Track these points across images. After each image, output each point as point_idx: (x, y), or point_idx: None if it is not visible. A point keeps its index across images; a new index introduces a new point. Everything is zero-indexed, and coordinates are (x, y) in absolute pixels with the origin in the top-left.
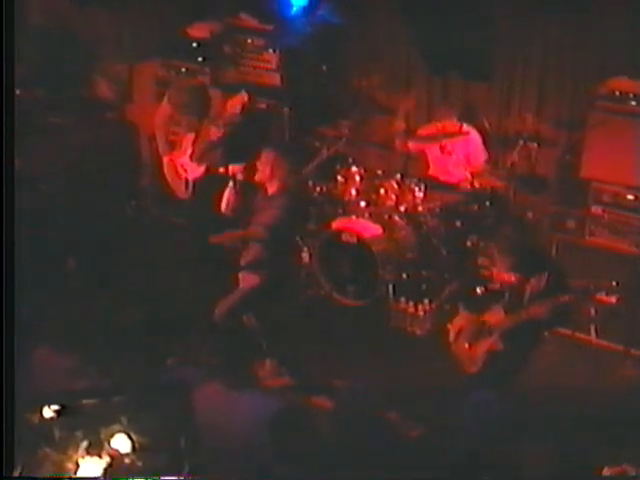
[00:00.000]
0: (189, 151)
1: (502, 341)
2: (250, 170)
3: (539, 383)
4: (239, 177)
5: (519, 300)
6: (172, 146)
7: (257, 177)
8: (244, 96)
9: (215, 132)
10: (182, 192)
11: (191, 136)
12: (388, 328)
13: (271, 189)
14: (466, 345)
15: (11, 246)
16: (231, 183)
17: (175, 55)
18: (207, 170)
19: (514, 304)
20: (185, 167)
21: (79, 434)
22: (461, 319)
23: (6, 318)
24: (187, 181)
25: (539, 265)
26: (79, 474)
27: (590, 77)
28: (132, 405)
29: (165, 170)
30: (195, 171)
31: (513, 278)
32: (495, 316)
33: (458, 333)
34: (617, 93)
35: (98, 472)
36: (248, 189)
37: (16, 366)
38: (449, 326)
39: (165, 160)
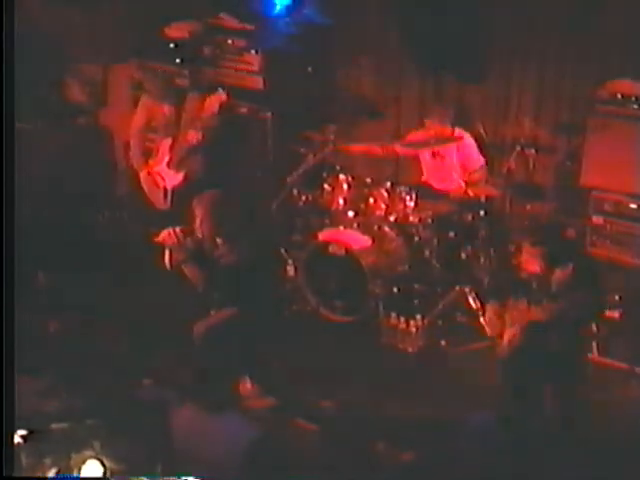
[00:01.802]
0: (166, 158)
1: (526, 334)
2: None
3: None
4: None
5: (545, 291)
6: (147, 155)
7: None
8: (222, 95)
9: (193, 136)
10: (161, 202)
11: (168, 141)
12: (378, 345)
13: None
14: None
15: None
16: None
17: (152, 56)
18: (186, 177)
19: (540, 296)
20: (163, 175)
21: (47, 461)
22: (490, 310)
23: None
24: (165, 190)
25: (566, 253)
26: None
27: (590, 79)
28: (105, 429)
29: (142, 181)
30: (173, 179)
31: (539, 268)
32: (521, 308)
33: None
34: (619, 96)
35: None
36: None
37: None
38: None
39: (142, 170)
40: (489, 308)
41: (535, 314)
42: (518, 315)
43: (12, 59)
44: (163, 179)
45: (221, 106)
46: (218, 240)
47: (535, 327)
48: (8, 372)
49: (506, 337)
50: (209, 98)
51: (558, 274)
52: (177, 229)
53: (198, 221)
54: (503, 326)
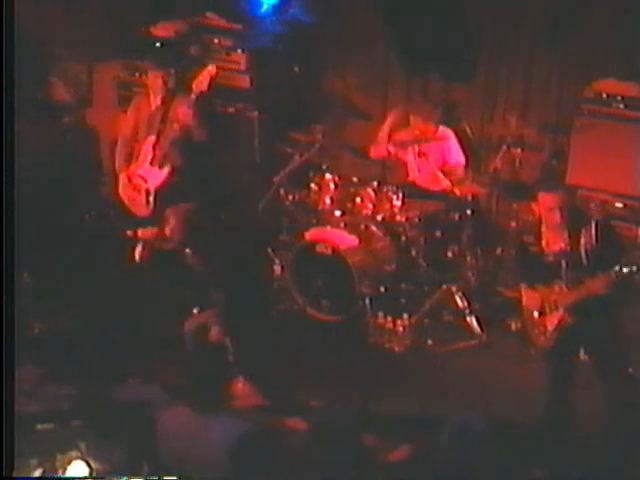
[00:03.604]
0: (149, 157)
1: (570, 315)
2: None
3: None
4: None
5: (578, 264)
6: (129, 160)
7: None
8: (212, 69)
9: (177, 128)
10: (142, 208)
11: (152, 139)
12: (365, 344)
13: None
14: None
15: None
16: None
17: (138, 56)
18: (171, 172)
19: (574, 274)
20: (145, 177)
21: (33, 462)
22: (528, 298)
23: None
24: (148, 192)
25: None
26: None
27: (576, 79)
28: (91, 429)
29: (121, 189)
30: (157, 177)
31: (563, 244)
32: (558, 291)
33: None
34: (604, 96)
35: None
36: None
37: None
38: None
39: (121, 177)
40: (524, 295)
41: (576, 291)
42: (558, 298)
43: (12, 59)
44: (145, 180)
45: (211, 81)
46: (187, 250)
47: (589, 301)
48: (8, 372)
49: (550, 323)
50: (199, 75)
51: (584, 241)
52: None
53: (168, 229)
54: (544, 314)
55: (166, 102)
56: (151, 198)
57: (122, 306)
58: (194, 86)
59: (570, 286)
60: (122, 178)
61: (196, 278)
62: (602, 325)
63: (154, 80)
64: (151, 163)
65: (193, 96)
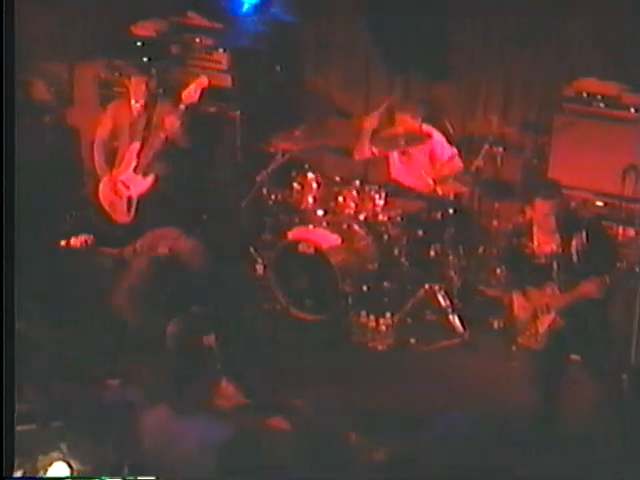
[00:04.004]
0: (133, 164)
1: (563, 318)
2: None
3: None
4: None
5: (570, 267)
6: (111, 164)
7: None
8: (204, 80)
9: (162, 137)
10: (123, 214)
11: (136, 146)
12: (348, 343)
13: None
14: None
15: None
16: None
17: (119, 55)
18: (155, 182)
19: (566, 277)
20: (127, 184)
21: (14, 462)
22: (519, 305)
23: None
24: (130, 200)
25: (576, 225)
26: None
27: (557, 78)
28: (72, 430)
29: (101, 193)
30: (140, 185)
31: (555, 246)
32: (550, 294)
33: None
34: (585, 95)
35: None
36: None
37: None
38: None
39: (102, 181)
40: (515, 300)
41: (569, 294)
42: (550, 301)
43: (12, 59)
44: (128, 187)
45: (202, 92)
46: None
47: (581, 304)
48: (8, 373)
49: (541, 326)
50: (190, 85)
51: (576, 243)
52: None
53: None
54: (535, 316)
55: (149, 107)
56: (133, 206)
57: (103, 306)
58: (184, 96)
59: (563, 289)
60: (103, 183)
61: (179, 278)
62: (594, 328)
63: (137, 85)
64: (134, 170)
65: (182, 106)
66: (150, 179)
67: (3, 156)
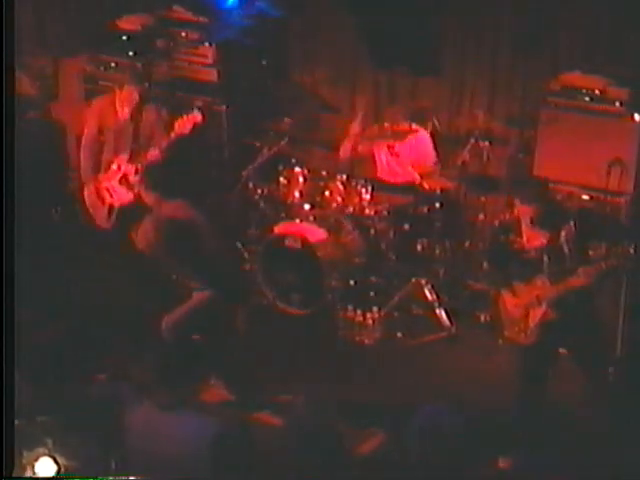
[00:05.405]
0: (119, 175)
1: (553, 310)
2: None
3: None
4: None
5: (561, 259)
6: (98, 168)
7: None
8: (197, 116)
9: (153, 155)
10: (103, 220)
11: (124, 157)
12: (335, 338)
13: None
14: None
15: None
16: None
17: (104, 49)
18: (136, 197)
19: (557, 268)
20: (112, 191)
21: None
22: (508, 302)
23: None
24: (111, 208)
25: (564, 217)
26: None
27: (542, 72)
28: (58, 425)
29: (86, 195)
30: (123, 197)
31: (544, 239)
32: (540, 286)
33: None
34: (570, 88)
35: None
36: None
37: None
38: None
39: (88, 186)
40: (504, 298)
41: (559, 285)
42: (541, 293)
43: (12, 58)
44: (111, 195)
45: (194, 127)
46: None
47: (571, 296)
48: (8, 373)
49: (532, 320)
50: (182, 118)
51: (565, 233)
52: None
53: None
54: (525, 310)
55: (136, 117)
56: (113, 214)
57: (90, 301)
58: (176, 126)
59: (553, 280)
60: (87, 186)
61: (166, 273)
62: (584, 320)
63: (129, 94)
64: (120, 182)
65: (173, 135)
66: (132, 194)
67: (3, 156)
